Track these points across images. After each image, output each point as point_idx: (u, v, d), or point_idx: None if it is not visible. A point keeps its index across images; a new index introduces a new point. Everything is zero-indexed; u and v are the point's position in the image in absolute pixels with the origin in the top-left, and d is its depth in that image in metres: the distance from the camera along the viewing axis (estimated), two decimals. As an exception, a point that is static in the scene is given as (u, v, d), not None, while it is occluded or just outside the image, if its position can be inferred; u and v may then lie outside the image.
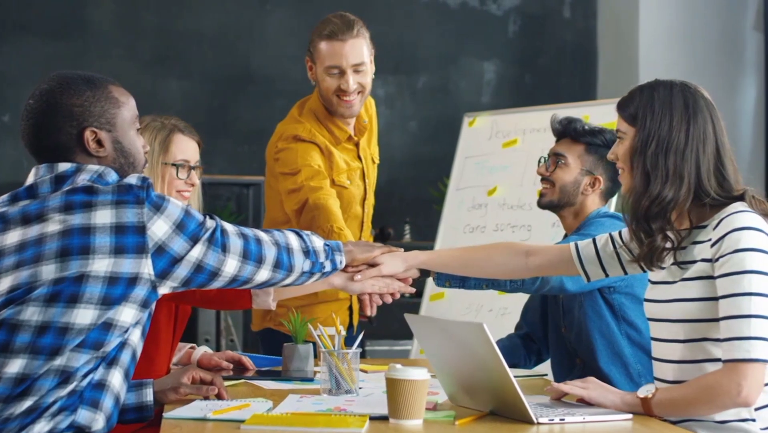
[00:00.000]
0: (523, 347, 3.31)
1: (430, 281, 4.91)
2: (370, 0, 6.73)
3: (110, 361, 2.15)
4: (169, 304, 2.82)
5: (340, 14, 3.43)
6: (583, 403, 2.34)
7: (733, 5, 6.37)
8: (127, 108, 2.29)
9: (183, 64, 6.70)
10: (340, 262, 2.60)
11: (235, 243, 2.29)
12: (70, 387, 2.09)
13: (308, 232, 2.53)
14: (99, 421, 2.13)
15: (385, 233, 6.51)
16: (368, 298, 3.00)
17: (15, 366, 2.06)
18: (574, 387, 2.37)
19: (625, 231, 2.62)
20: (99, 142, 2.24)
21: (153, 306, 2.22)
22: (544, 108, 4.96)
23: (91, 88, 2.25)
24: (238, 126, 6.73)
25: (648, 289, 2.49)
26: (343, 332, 2.70)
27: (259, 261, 2.34)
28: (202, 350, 3.09)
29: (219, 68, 6.74)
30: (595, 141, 3.14)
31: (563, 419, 2.18)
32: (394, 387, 2.14)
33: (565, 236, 3.21)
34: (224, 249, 2.25)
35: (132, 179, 2.17)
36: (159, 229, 2.14)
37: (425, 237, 6.31)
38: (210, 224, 2.25)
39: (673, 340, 2.37)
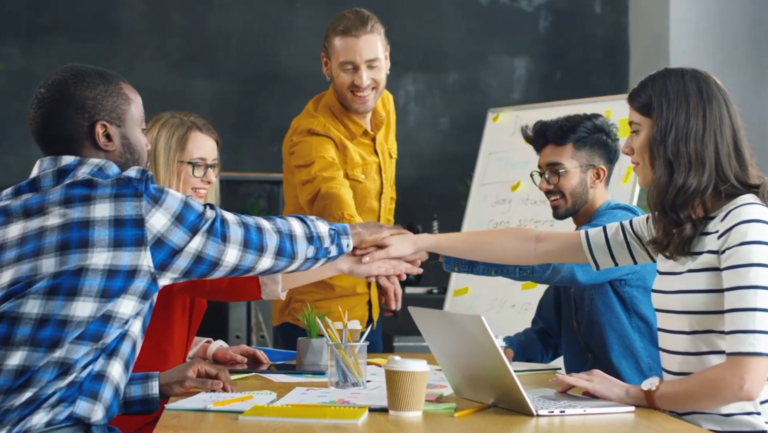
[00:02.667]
0: (539, 342, 3.30)
1: (455, 275, 4.91)
2: (400, -3, 6.74)
3: (110, 352, 2.17)
4: (184, 299, 2.84)
5: (355, 10, 3.43)
6: (589, 396, 2.33)
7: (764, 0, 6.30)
8: (136, 105, 2.32)
9: (212, 64, 6.73)
10: (347, 245, 2.59)
11: (236, 232, 2.29)
12: (69, 378, 2.11)
13: (313, 217, 2.53)
14: (98, 412, 2.15)
15: (413, 230, 6.48)
16: (392, 291, 2.98)
17: (15, 358, 2.09)
18: (579, 379, 2.36)
19: (636, 220, 2.60)
20: (108, 137, 2.26)
21: (155, 297, 2.24)
22: (569, 103, 4.93)
23: (104, 83, 2.27)
24: (268, 124, 6.74)
25: (656, 279, 2.46)
26: (359, 326, 2.70)
27: (261, 249, 2.34)
28: (217, 345, 3.11)
29: (248, 67, 6.76)
30: (580, 135, 3.10)
31: (563, 411, 2.16)
32: (393, 379, 2.14)
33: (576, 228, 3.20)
34: (224, 239, 2.26)
35: (131, 172, 2.19)
36: (158, 221, 2.16)
37: (452, 233, 6.29)
38: (210, 214, 2.25)
39: (678, 331, 2.35)
